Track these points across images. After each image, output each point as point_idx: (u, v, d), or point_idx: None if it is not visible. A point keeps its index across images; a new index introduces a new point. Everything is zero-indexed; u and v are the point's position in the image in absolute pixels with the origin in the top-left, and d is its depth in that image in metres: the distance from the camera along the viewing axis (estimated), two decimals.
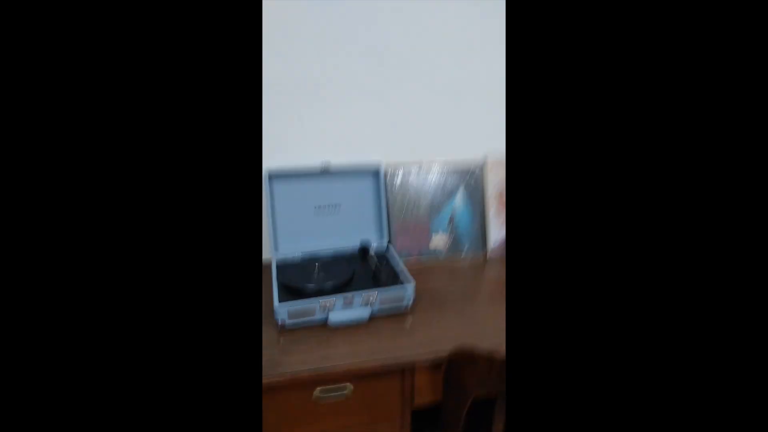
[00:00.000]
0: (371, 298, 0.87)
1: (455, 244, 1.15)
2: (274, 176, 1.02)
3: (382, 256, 1.04)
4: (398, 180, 1.11)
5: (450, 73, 1.10)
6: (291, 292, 0.89)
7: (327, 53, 1.02)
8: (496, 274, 1.07)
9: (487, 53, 1.10)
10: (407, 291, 0.88)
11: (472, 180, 1.15)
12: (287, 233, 1.05)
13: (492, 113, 1.15)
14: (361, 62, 1.04)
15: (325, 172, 1.05)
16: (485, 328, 0.84)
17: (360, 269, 0.99)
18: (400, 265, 0.96)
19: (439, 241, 1.14)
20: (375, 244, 1.08)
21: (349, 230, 1.09)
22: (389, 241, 1.12)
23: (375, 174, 1.09)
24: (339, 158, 1.10)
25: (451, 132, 1.15)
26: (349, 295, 0.85)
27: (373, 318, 0.87)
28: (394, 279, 0.93)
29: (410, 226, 1.12)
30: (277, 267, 0.97)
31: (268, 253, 1.07)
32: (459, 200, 1.15)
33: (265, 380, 0.72)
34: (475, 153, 1.17)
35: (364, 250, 1.04)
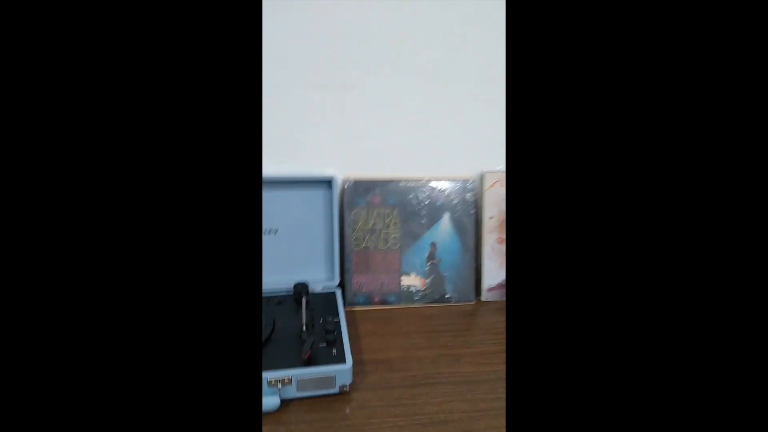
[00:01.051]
0: (285, 379, 0.59)
1: (436, 286, 0.85)
2: None
3: (327, 303, 0.76)
4: (359, 199, 0.83)
5: (436, 61, 0.81)
6: None
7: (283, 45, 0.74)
8: (491, 328, 0.78)
9: (486, 35, 0.80)
10: (340, 373, 0.60)
11: (462, 202, 0.85)
12: None
13: (494, 116, 0.85)
14: (322, 52, 0.77)
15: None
16: (473, 421, 0.56)
17: (288, 322, 0.70)
18: (342, 324, 0.68)
19: (413, 281, 0.85)
20: (321, 285, 0.80)
21: (286, 264, 0.81)
22: (341, 282, 0.83)
23: (326, 189, 0.81)
24: (288, 171, 0.82)
25: (436, 139, 0.85)
26: None
27: (288, 404, 0.59)
28: (328, 345, 0.65)
29: (373, 260, 0.84)
30: None
31: None
32: (444, 228, 0.85)
33: None
34: (468, 168, 0.87)
35: (298, 295, 0.76)
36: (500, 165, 0.87)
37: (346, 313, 0.82)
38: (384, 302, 0.84)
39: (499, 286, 0.87)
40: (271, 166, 0.81)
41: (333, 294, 0.78)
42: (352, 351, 0.67)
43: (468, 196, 0.85)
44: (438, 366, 0.68)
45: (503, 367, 0.69)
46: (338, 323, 0.69)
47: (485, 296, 0.87)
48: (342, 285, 0.84)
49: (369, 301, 0.84)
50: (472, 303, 0.86)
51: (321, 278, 0.82)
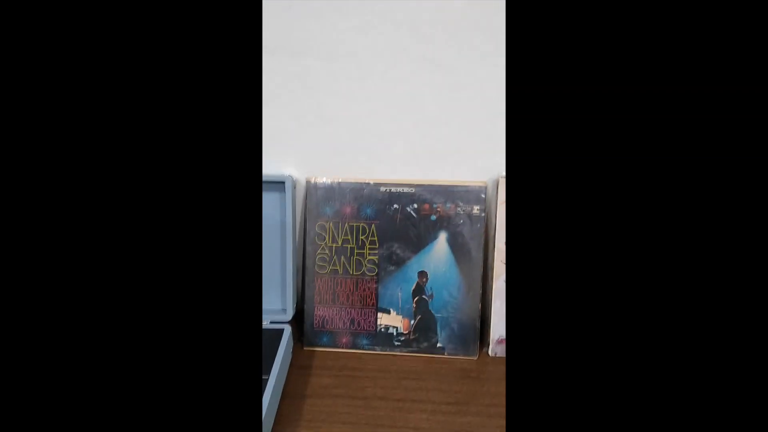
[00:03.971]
0: None
1: (424, 330, 0.63)
2: None
3: (267, 347, 0.56)
4: (325, 208, 0.62)
5: (437, 15, 0.57)
6: None
7: None
8: (501, 400, 0.55)
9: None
10: None
11: (467, 218, 0.61)
12: None
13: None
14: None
15: None
16: None
17: None
18: (269, 385, 0.49)
19: (392, 320, 0.63)
20: (268, 320, 0.61)
21: None
22: (294, 316, 0.63)
23: (278, 193, 0.61)
24: None
25: (435, 129, 0.62)
26: None
27: None
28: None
29: (342, 289, 0.63)
30: None
31: None
32: (439, 253, 0.62)
33: None
34: (478, 170, 0.63)
35: None
36: None
37: (304, 353, 0.63)
38: (353, 345, 0.64)
39: None
40: None
41: (280, 332, 0.59)
42: (283, 419, 0.49)
43: (475, 210, 0.61)
44: None
45: None
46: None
47: (493, 350, 0.63)
48: (299, 318, 0.64)
49: (334, 341, 0.64)
50: (474, 359, 0.63)
51: (270, 308, 0.63)
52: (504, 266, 0.61)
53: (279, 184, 0.60)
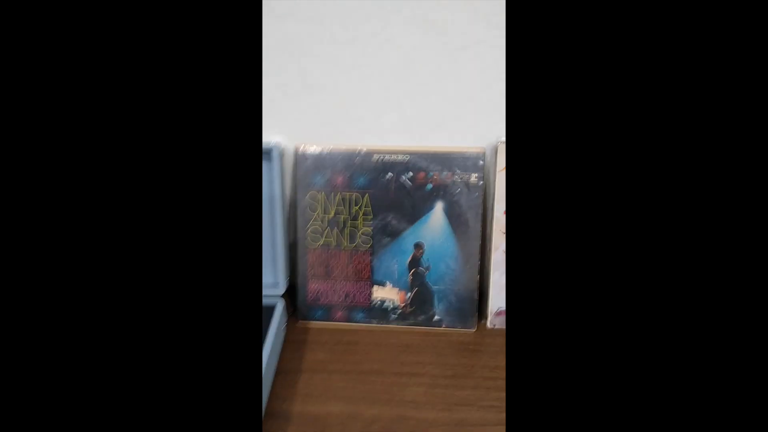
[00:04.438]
0: None
1: (421, 303, 0.61)
2: None
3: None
4: (316, 177, 0.60)
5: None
6: None
7: None
8: (500, 373, 0.53)
9: None
10: None
11: (464, 187, 0.59)
12: None
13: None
14: None
15: None
16: None
17: None
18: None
19: (388, 293, 0.62)
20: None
21: None
22: (287, 290, 0.62)
23: (265, 163, 0.58)
24: None
25: (429, 92, 0.58)
26: None
27: None
28: None
29: (335, 262, 0.61)
30: None
31: None
32: (435, 223, 0.60)
33: None
34: (476, 137, 0.60)
35: None
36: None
37: (298, 327, 0.61)
38: (348, 319, 0.62)
39: None
40: None
41: (272, 307, 0.57)
42: (277, 395, 0.48)
43: (473, 178, 0.58)
44: None
45: None
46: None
47: (491, 322, 0.62)
48: (292, 293, 0.62)
49: (328, 316, 0.62)
50: (472, 331, 0.61)
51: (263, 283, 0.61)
52: (503, 236, 0.59)
53: (265, 153, 0.57)
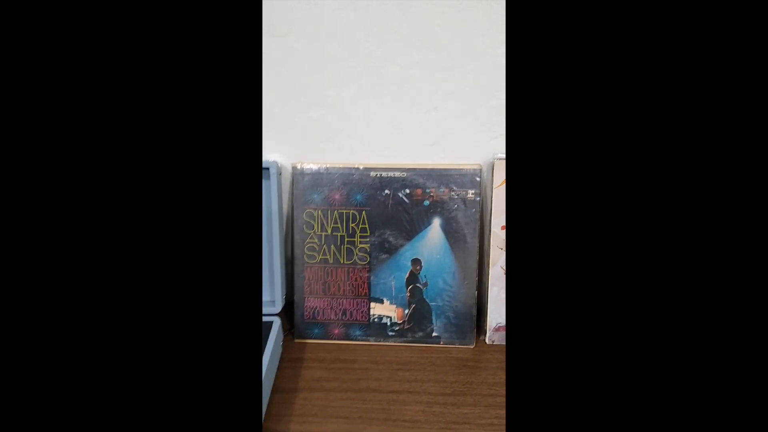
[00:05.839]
0: None
1: (419, 319, 0.61)
2: None
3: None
4: (313, 194, 0.60)
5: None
6: None
7: None
8: (499, 389, 0.53)
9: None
10: None
11: (462, 203, 0.59)
12: None
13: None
14: None
15: None
16: None
17: None
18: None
19: (386, 310, 0.61)
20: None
21: None
22: (284, 307, 0.61)
23: (263, 180, 0.58)
24: None
25: (427, 109, 0.59)
26: None
27: None
28: None
29: (333, 279, 0.61)
30: None
31: None
32: (433, 239, 0.60)
33: None
34: (474, 153, 0.61)
35: None
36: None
37: (295, 345, 0.61)
38: (346, 336, 0.62)
39: None
40: None
41: (269, 324, 0.57)
42: (274, 414, 0.48)
43: (470, 194, 0.59)
44: None
45: None
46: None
47: (490, 338, 0.61)
48: (289, 310, 0.62)
49: (326, 333, 0.62)
50: (471, 347, 0.61)
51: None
52: (501, 252, 0.59)
53: (263, 171, 0.58)
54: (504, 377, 0.56)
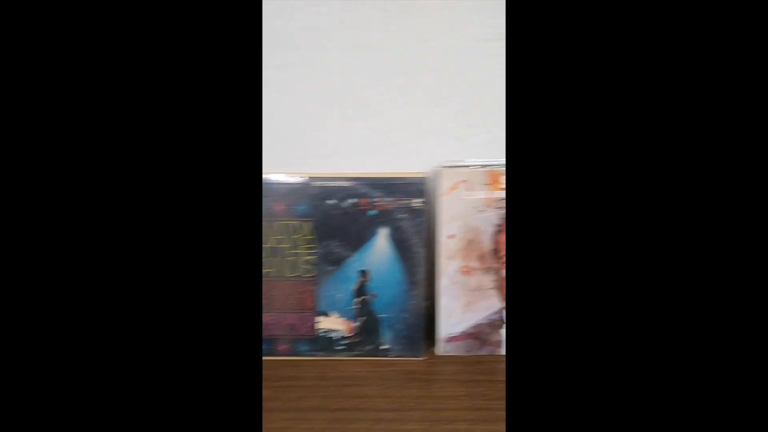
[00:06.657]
0: None
1: (368, 332, 0.59)
2: None
3: None
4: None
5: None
6: None
7: None
8: (452, 401, 0.51)
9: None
10: None
11: (408, 213, 0.58)
12: None
13: (466, 78, 0.56)
14: None
15: None
16: None
17: None
18: None
19: (334, 323, 0.60)
20: None
21: None
22: None
23: None
24: None
25: (371, 116, 0.58)
26: None
27: None
28: None
29: (277, 292, 0.58)
30: None
31: None
32: (380, 250, 0.58)
33: None
34: (418, 162, 0.59)
35: None
36: (471, 157, 0.59)
37: None
38: (292, 352, 0.59)
39: (464, 335, 0.60)
40: None
41: None
42: None
43: (416, 203, 0.57)
44: None
45: None
46: None
47: (442, 349, 0.60)
48: None
49: (270, 350, 0.59)
50: (422, 359, 0.59)
51: None
52: (450, 261, 0.58)
53: None
54: (457, 389, 0.55)
